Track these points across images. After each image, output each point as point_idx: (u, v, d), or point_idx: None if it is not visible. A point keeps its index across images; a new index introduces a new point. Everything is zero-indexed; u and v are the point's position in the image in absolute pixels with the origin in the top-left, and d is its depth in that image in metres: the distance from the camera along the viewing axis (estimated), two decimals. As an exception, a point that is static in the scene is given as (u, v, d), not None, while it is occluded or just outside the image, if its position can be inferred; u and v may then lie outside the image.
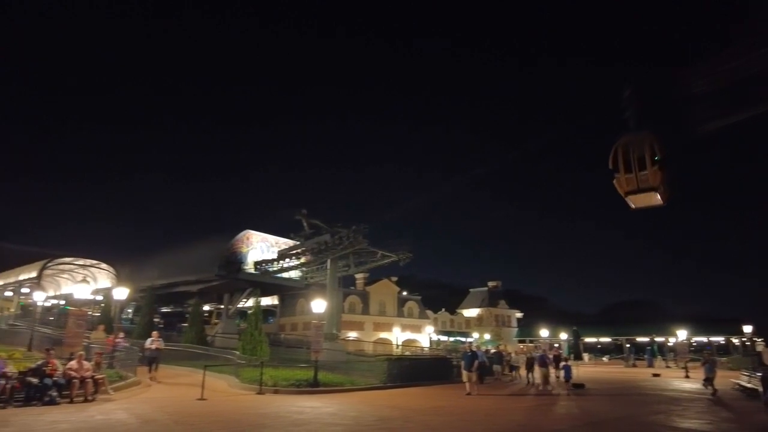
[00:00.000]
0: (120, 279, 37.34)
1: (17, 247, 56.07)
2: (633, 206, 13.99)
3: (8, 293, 42.77)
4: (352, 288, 53.07)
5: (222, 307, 39.48)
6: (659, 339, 51.43)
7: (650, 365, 39.63)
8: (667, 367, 38.60)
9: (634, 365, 42.06)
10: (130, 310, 47.89)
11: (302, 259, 34.70)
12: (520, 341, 64.70)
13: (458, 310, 68.84)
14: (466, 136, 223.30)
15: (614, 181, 13.37)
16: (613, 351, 59.99)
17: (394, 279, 56.90)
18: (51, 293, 40.41)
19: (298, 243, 35.86)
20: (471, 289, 72.54)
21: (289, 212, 35.41)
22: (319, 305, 20.56)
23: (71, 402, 12.45)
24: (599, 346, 63.42)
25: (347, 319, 47.02)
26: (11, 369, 12.17)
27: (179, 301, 45.52)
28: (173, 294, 39.33)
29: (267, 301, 45.62)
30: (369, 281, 54.14)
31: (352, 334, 46.97)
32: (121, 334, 20.31)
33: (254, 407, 13.12)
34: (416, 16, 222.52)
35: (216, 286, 35.76)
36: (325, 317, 27.06)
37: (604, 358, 55.65)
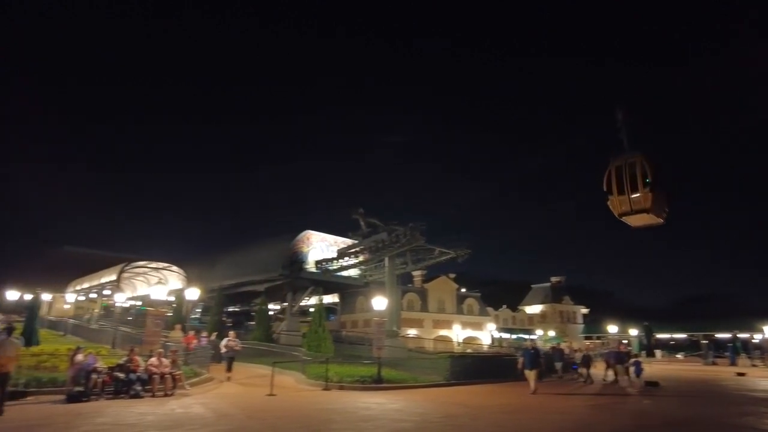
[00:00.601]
0: (189, 280, 39.43)
1: (96, 252, 60.49)
2: (632, 225, 14.31)
3: (92, 295, 46.27)
4: (410, 285, 53.17)
5: (286, 305, 40.69)
6: (743, 335, 47.86)
7: (733, 363, 36.99)
8: (753, 365, 35.88)
9: (714, 363, 39.38)
10: (198, 310, 50.34)
11: (360, 258, 35.14)
12: (587, 338, 62.45)
13: (520, 307, 67.36)
14: (521, 133, 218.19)
15: (608, 203, 13.86)
16: (689, 348, 56.51)
17: (452, 276, 56.44)
18: (128, 294, 43.21)
19: (356, 242, 36.36)
20: (533, 285, 70.75)
21: (347, 211, 36.06)
22: (379, 303, 20.75)
23: (153, 396, 13.25)
24: (672, 342, 59.95)
25: (406, 316, 47.16)
26: (101, 365, 13.14)
27: (245, 300, 47.33)
28: (239, 293, 40.98)
29: (328, 299, 46.53)
30: (427, 278, 54.04)
31: (412, 332, 47.04)
32: (204, 334, 21.21)
33: (322, 403, 13.43)
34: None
35: (280, 285, 36.90)
36: (385, 314, 27.24)
37: (678, 355, 52.56)
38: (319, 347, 21.55)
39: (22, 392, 12.07)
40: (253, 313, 45.29)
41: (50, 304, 50.74)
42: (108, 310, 43.79)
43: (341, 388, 16.59)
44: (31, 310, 14.25)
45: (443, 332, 51.46)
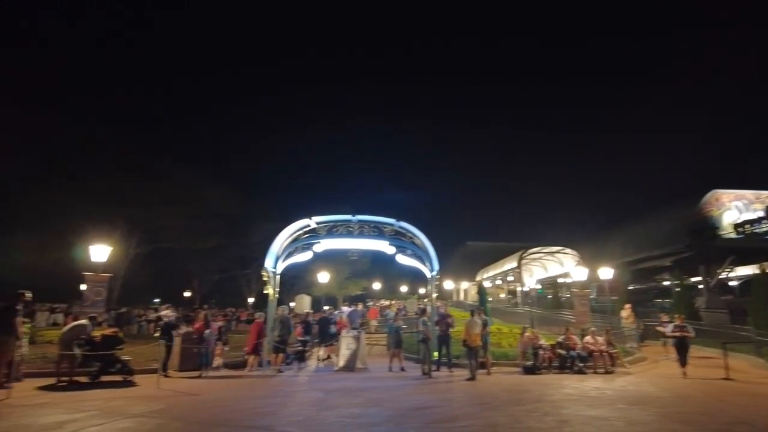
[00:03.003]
0: (584, 261, 39.45)
1: (491, 243, 68.32)
2: None
3: (498, 281, 52.50)
4: None
5: (695, 279, 35.62)
6: None
7: None
8: None
9: None
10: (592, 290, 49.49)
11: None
12: None
13: None
14: None
15: None
16: None
17: None
18: (533, 278, 46.75)
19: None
20: None
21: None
22: None
23: (595, 373, 13.80)
24: None
25: None
26: (544, 342, 14.65)
27: (645, 277, 44.08)
28: (639, 270, 38.48)
29: (747, 271, 38.15)
30: None
31: None
32: (665, 318, 20.33)
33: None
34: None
35: (688, 258, 32.62)
36: None
37: None
38: (773, 326, 17.69)
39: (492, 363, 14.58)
40: (656, 291, 41.84)
41: (466, 291, 60.47)
42: (512, 294, 48.57)
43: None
44: (481, 296, 17.27)
45: None
